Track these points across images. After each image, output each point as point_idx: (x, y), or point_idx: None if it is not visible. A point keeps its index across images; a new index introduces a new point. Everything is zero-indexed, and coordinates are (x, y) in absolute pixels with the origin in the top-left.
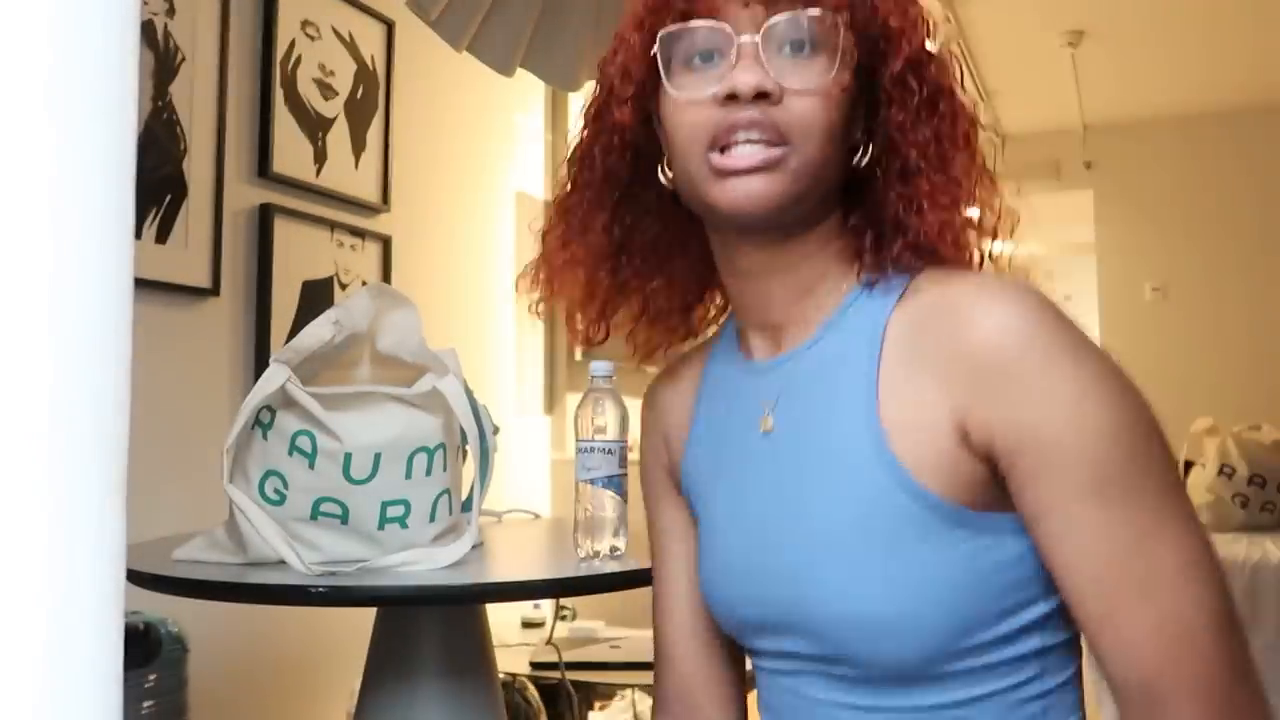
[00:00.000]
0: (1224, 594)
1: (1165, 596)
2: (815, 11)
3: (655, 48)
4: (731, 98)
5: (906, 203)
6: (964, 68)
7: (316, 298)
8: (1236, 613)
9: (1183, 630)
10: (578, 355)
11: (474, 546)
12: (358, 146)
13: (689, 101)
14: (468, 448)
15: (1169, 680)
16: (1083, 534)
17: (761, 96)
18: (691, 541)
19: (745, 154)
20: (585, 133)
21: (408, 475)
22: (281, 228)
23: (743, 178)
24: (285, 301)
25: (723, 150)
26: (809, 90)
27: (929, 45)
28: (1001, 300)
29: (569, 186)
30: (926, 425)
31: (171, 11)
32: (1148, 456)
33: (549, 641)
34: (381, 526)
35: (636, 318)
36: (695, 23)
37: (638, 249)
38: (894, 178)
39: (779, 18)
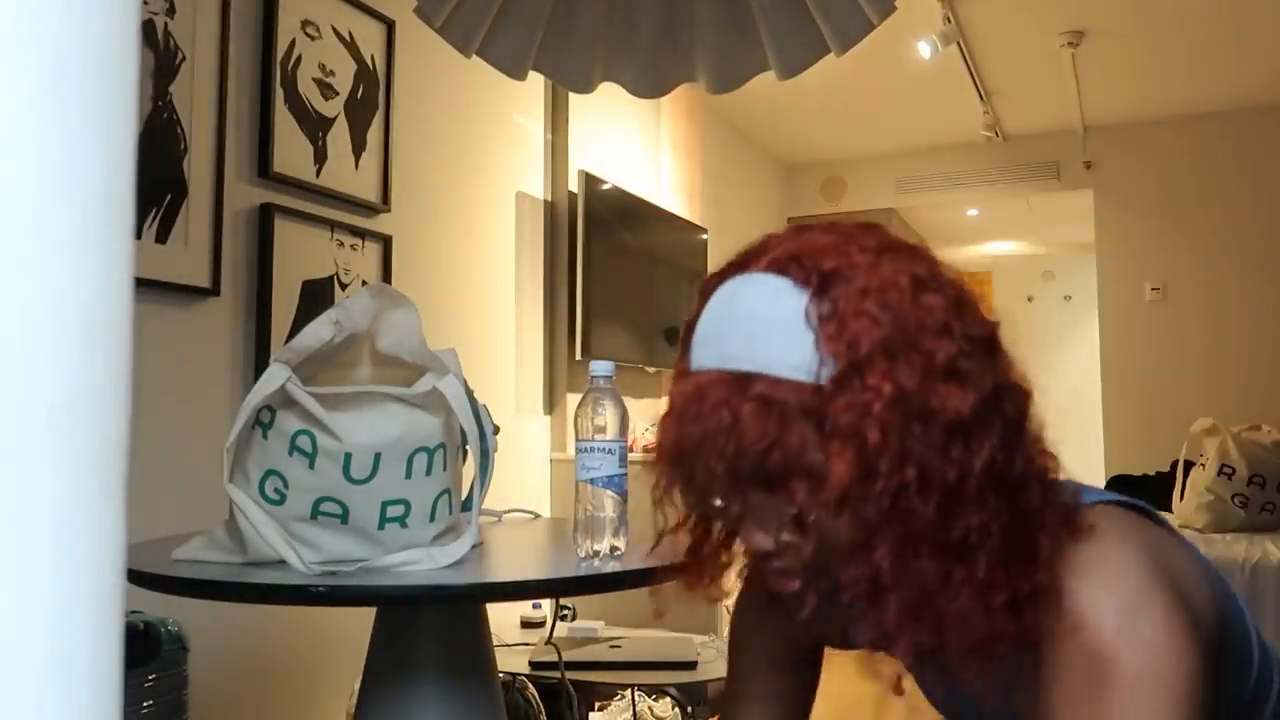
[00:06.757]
0: None
1: None
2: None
3: None
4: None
5: None
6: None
7: (316, 298)
8: None
9: None
10: (578, 355)
11: (474, 546)
12: (358, 146)
13: None
14: (468, 448)
15: None
16: None
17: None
18: (784, 698)
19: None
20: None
21: (408, 475)
22: (281, 228)
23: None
24: (285, 301)
25: None
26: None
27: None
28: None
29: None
30: None
31: (171, 11)
32: None
33: (549, 641)
34: (381, 526)
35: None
36: None
37: None
38: None
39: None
